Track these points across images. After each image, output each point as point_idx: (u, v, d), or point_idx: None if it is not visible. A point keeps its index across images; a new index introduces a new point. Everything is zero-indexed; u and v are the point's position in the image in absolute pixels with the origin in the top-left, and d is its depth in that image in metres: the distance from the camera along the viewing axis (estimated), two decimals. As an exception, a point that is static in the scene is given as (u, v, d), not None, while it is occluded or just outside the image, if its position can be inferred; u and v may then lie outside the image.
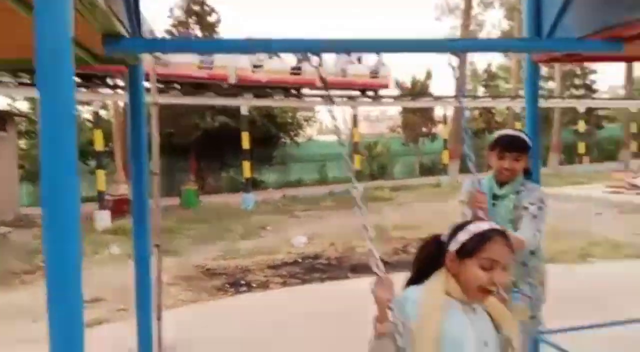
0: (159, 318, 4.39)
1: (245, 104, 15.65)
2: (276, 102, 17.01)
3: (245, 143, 15.62)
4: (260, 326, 4.97)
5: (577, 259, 7.33)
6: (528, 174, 2.68)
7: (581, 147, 23.87)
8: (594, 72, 29.37)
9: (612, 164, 24.41)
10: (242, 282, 7.00)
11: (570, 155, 25.95)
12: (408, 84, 24.85)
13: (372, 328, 1.57)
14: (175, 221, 12.59)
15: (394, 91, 23.98)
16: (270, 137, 19.53)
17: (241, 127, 15.87)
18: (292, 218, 12.77)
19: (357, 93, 18.23)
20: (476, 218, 2.19)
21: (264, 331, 4.79)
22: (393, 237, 9.43)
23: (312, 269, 7.65)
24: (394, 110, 28.22)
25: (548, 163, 24.64)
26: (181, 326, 5.01)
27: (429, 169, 24.14)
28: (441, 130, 22.86)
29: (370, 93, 18.35)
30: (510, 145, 2.55)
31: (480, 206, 2.25)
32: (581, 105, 23.50)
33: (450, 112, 20.55)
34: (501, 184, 2.61)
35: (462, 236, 1.65)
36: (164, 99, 15.38)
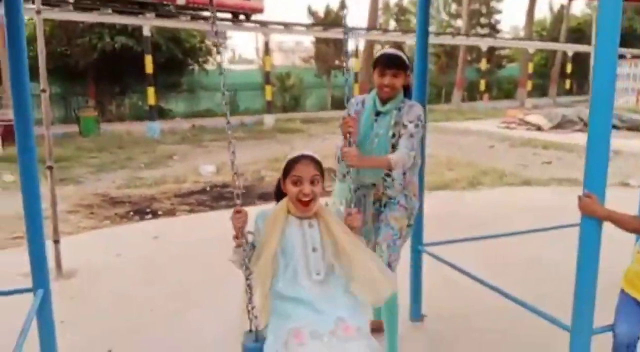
0: (55, 241, 4.30)
1: (146, 23, 14.67)
2: (182, 23, 16.10)
3: (149, 67, 14.82)
4: (164, 249, 5.00)
5: (467, 186, 7.95)
6: (409, 92, 2.86)
7: (482, 85, 25.16)
8: (499, 12, 30.52)
9: (509, 102, 26.06)
10: (148, 210, 6.91)
11: (472, 92, 27.31)
12: (321, 14, 24.47)
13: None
14: (74, 149, 11.97)
15: (307, 20, 23.61)
16: (177, 63, 18.57)
17: (144, 49, 14.99)
18: (200, 148, 12.56)
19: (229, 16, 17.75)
20: (344, 140, 2.42)
21: (168, 254, 4.83)
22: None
23: (220, 197, 7.68)
24: (309, 42, 27.82)
25: (452, 99, 25.84)
26: (82, 251, 4.93)
27: (341, 102, 24.41)
28: (352, 63, 22.95)
29: (242, 17, 17.94)
30: (389, 63, 2.69)
31: (347, 130, 2.38)
32: (484, 44, 24.52)
33: (362, 45, 20.64)
34: (384, 101, 2.75)
35: (284, 164, 2.15)
36: (54, 14, 14.09)
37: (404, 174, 2.73)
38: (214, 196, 7.74)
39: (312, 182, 2.08)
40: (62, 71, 17.79)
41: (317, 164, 2.13)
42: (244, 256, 2.04)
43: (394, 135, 2.70)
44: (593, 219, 2.09)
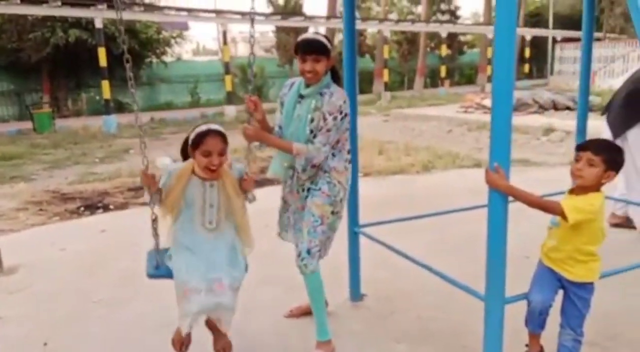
0: (-7, 240, 4.21)
1: (98, 15, 14.31)
2: (136, 14, 15.76)
3: (103, 60, 14.48)
4: (110, 242, 4.95)
5: (422, 170, 8.08)
6: (337, 78, 2.84)
7: (443, 71, 25.47)
8: (458, -2, 30.88)
9: (470, 87, 26.45)
10: (99, 205, 6.80)
11: (434, 78, 27.62)
12: (281, 2, 24.30)
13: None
14: (27, 146, 11.67)
15: (266, 9, 23.40)
16: (134, 55, 18.16)
17: (97, 42, 14.64)
18: (159, 141, 12.38)
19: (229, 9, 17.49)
20: (249, 117, 2.74)
21: (114, 246, 4.78)
22: (260, 157, 9.62)
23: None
24: (271, 32, 27.57)
25: (414, 86, 26.09)
26: (26, 248, 4.84)
27: (303, 92, 24.28)
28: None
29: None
30: (309, 48, 2.69)
31: (250, 109, 2.71)
32: (444, 31, 24.77)
33: (322, 32, 20.61)
34: (307, 85, 2.78)
35: (192, 135, 2.47)
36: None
37: (314, 166, 2.73)
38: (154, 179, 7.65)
39: (219, 154, 2.43)
40: (14, 67, 17.27)
41: (223, 137, 2.47)
42: (153, 199, 2.49)
43: (312, 120, 2.71)
44: (500, 192, 2.18)
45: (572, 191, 2.37)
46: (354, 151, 3.33)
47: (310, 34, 2.84)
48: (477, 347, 2.51)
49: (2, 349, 2.90)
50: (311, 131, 2.71)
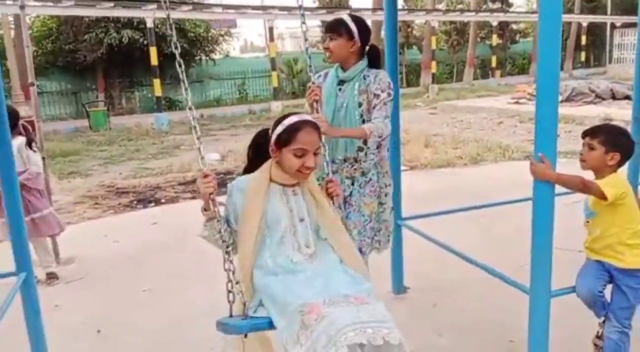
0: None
1: (148, 15, 14.74)
2: (184, 13, 16.13)
3: (154, 59, 14.92)
4: (162, 234, 5.11)
5: (470, 163, 7.90)
6: (376, 62, 2.74)
7: (493, 61, 24.77)
8: (510, -15, 29.84)
9: (523, 77, 25.61)
10: (151, 198, 7.04)
11: (484, 69, 26.89)
12: (327, -3, 24.29)
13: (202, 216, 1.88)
14: (83, 143, 12.19)
15: (312, 3, 23.44)
16: (184, 53, 18.65)
17: (149, 42, 15.09)
18: (209, 137, 12.65)
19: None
20: (310, 109, 2.41)
21: (165, 238, 4.93)
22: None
23: (222, 183, 7.67)
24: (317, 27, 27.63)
25: (463, 77, 25.51)
26: (82, 240, 5.06)
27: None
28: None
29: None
30: (327, 28, 2.71)
31: (314, 98, 2.37)
32: (494, 19, 24.08)
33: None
34: (344, 69, 2.69)
35: (279, 129, 1.90)
36: (42, 10, 14.22)
37: (378, 147, 2.63)
38: (218, 183, 7.82)
39: (315, 154, 1.90)
40: (71, 67, 18.04)
41: (318, 130, 1.94)
42: (217, 229, 1.86)
43: (360, 104, 2.62)
44: (545, 183, 2.11)
45: None
46: (396, 144, 3.31)
47: (344, 14, 2.82)
48: (523, 341, 2.45)
49: (59, 336, 3.04)
50: (361, 115, 2.62)
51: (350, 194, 2.72)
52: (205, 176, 1.89)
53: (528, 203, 3.74)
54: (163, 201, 6.88)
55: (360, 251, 2.71)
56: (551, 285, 2.19)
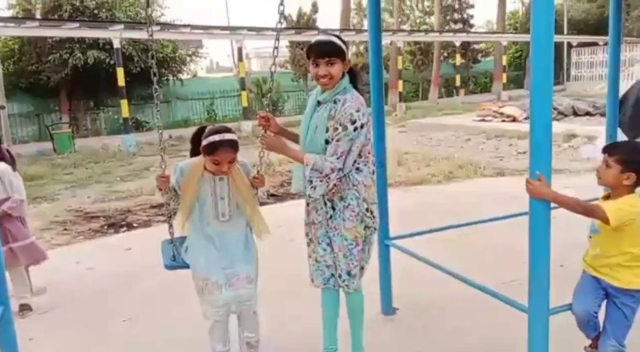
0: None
1: (115, 36, 14.52)
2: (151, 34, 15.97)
3: (121, 80, 14.66)
4: (136, 260, 4.94)
5: (443, 180, 7.99)
6: (357, 80, 2.66)
7: (457, 80, 25.37)
8: (471, 6, 30.74)
9: (485, 95, 26.28)
10: (123, 223, 6.83)
11: (449, 88, 27.50)
12: (294, 17, 24.50)
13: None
14: (48, 166, 11.81)
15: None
16: (152, 73, 18.34)
17: (116, 62, 14.85)
18: (179, 158, 12.48)
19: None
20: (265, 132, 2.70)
21: (140, 264, 4.76)
22: (279, 171, 9.61)
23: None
24: (285, 47, 27.77)
25: (428, 96, 26.00)
26: (53, 268, 4.83)
27: (318, 105, 24.29)
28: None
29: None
30: (321, 51, 2.50)
31: (263, 125, 2.66)
32: (457, 40, 24.73)
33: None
34: (324, 90, 2.60)
35: (204, 142, 2.51)
36: (9, 31, 13.89)
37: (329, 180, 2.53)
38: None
39: (229, 163, 2.53)
40: (34, 88, 17.58)
41: (235, 147, 2.53)
42: (167, 197, 2.66)
43: (327, 129, 2.54)
44: (542, 201, 2.12)
45: (605, 198, 2.34)
46: (382, 163, 3.30)
47: (322, 35, 2.63)
48: (519, 360, 2.44)
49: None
50: (326, 141, 2.54)
51: (331, 217, 2.66)
52: (162, 176, 2.58)
53: (511, 220, 3.81)
54: (135, 225, 6.69)
55: (349, 273, 2.68)
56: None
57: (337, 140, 2.50)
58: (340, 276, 2.71)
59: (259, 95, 22.69)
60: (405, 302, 3.55)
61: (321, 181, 2.54)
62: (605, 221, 2.16)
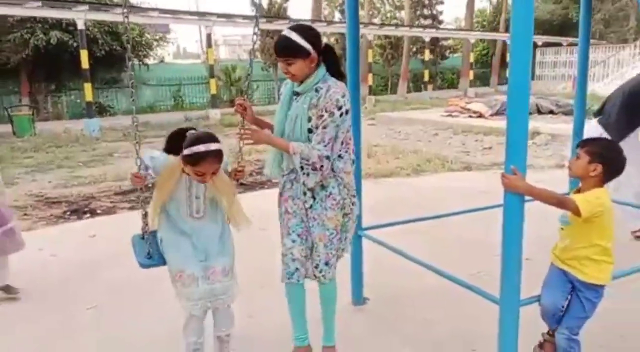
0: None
1: (79, 17, 14.04)
2: (118, 16, 15.54)
3: (85, 63, 14.20)
4: (101, 247, 4.82)
5: (412, 173, 8.08)
6: (336, 70, 2.59)
7: (426, 76, 25.66)
8: (440, 2, 31.07)
9: (453, 91, 26.68)
10: (86, 209, 6.65)
11: (417, 83, 27.80)
12: (265, 6, 24.26)
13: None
14: (7, 149, 11.39)
15: (250, 12, 23.30)
16: (116, 57, 17.88)
17: (79, 44, 14.39)
18: (144, 144, 12.19)
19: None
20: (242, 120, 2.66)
21: (105, 251, 4.65)
22: (248, 161, 9.54)
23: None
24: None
25: (397, 90, 26.23)
26: (14, 254, 4.68)
27: (288, 95, 24.15)
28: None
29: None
30: (278, 51, 2.49)
31: (240, 113, 2.63)
32: (426, 35, 24.97)
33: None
34: (301, 81, 2.55)
35: (186, 151, 2.38)
36: None
37: (315, 169, 2.49)
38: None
39: (213, 173, 2.46)
40: (-9, 68, 16.91)
41: (220, 157, 2.44)
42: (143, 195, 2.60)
43: (310, 118, 2.50)
44: (516, 194, 2.16)
45: (577, 191, 2.40)
46: (358, 155, 3.30)
47: (284, 31, 2.52)
48: (487, 350, 2.49)
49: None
50: (310, 130, 2.51)
51: (311, 207, 2.61)
52: (137, 176, 2.46)
53: (481, 213, 3.89)
54: (99, 211, 6.52)
55: (327, 263, 2.65)
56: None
57: (324, 127, 2.46)
58: (317, 266, 2.67)
59: (227, 83, 22.42)
60: (375, 292, 3.58)
61: (314, 169, 2.49)
62: (577, 212, 2.22)
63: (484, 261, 3.82)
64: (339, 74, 2.59)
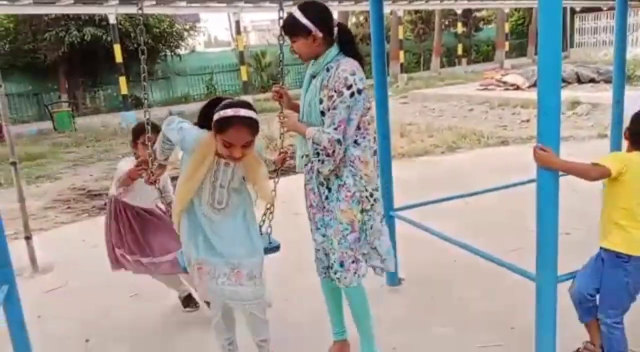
0: (27, 238, 4.25)
1: (110, 12, 14.27)
2: (148, 9, 15.71)
3: (118, 57, 14.49)
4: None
5: (446, 151, 7.95)
6: (351, 49, 2.42)
7: (460, 49, 25.03)
8: (471, -27, 30.09)
9: (488, 64, 25.96)
10: (126, 200, 6.83)
11: (451, 57, 27.16)
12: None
13: None
14: (49, 145, 11.79)
15: (278, -3, 23.20)
16: (149, 50, 18.08)
17: (112, 39, 14.66)
18: (179, 134, 12.42)
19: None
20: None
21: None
22: (282, 146, 9.58)
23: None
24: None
25: (430, 66, 25.71)
26: (59, 246, 4.87)
27: (318, 78, 24.07)
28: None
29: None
30: (283, 29, 2.43)
31: (277, 99, 2.58)
32: (458, 7, 24.29)
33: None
34: (314, 63, 2.45)
35: (216, 117, 2.13)
36: (2, 9, 13.68)
37: (328, 155, 2.32)
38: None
39: (244, 147, 2.15)
40: (31, 68, 17.41)
41: (252, 127, 2.15)
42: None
43: (321, 100, 2.35)
44: (549, 170, 2.08)
45: None
46: (385, 135, 3.26)
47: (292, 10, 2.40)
48: (526, 327, 2.44)
49: (45, 348, 2.90)
50: (322, 113, 2.35)
51: (327, 198, 2.45)
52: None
53: (516, 188, 3.79)
54: (139, 202, 6.69)
55: (342, 264, 2.42)
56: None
57: (334, 108, 2.29)
58: (331, 267, 2.47)
59: (258, 69, 22.46)
60: (410, 273, 3.56)
61: (327, 156, 2.31)
62: (607, 173, 2.14)
63: (521, 237, 3.74)
64: (354, 54, 2.41)
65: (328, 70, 2.36)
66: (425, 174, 6.48)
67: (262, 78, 22.39)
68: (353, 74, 2.30)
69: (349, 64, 2.33)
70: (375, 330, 2.70)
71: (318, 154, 2.34)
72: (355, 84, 2.29)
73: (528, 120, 10.19)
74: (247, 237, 2.35)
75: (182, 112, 16.08)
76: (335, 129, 2.29)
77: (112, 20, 14.43)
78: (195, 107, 17.45)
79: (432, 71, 24.32)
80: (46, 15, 15.80)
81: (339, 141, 2.30)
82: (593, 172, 2.17)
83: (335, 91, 2.29)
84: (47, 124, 14.58)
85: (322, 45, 2.38)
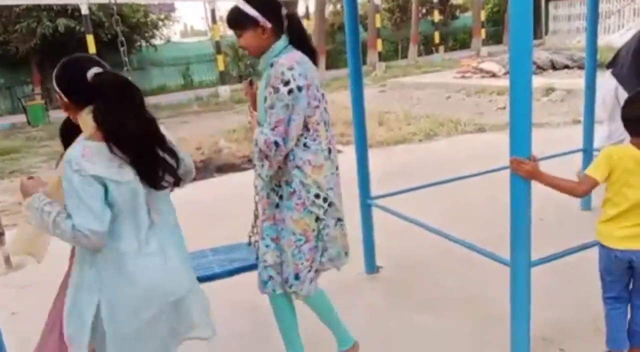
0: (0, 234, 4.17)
1: (82, 2, 13.95)
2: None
3: (92, 48, 14.20)
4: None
5: (424, 138, 7.99)
6: (301, 41, 2.24)
7: (437, 37, 25.11)
8: (447, -39, 30.12)
9: (465, 52, 26.11)
10: (103, 193, 6.73)
11: (428, 45, 27.25)
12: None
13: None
14: (23, 139, 11.55)
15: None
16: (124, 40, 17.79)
17: (85, 29, 14.35)
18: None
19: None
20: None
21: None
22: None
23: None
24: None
25: (408, 54, 25.76)
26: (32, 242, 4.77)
27: (297, 67, 23.92)
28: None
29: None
30: (229, 25, 2.26)
31: (247, 94, 2.46)
32: (435, -5, 24.33)
33: (312, 6, 20.22)
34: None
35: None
36: None
37: (266, 157, 2.15)
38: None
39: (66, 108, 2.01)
40: (2, 60, 16.99)
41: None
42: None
43: (266, 98, 2.15)
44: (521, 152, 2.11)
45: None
46: (361, 123, 3.26)
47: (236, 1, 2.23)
48: (501, 313, 2.48)
49: (18, 345, 2.85)
50: (266, 112, 2.15)
51: (277, 206, 2.26)
52: (31, 178, 1.98)
53: (491, 175, 3.83)
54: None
55: (297, 276, 2.25)
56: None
57: (271, 107, 2.09)
58: (287, 281, 2.28)
59: (235, 58, 22.24)
60: (389, 260, 3.58)
61: (266, 157, 2.14)
62: (595, 183, 2.14)
63: (499, 223, 3.78)
64: (304, 46, 2.22)
65: (272, 65, 2.13)
66: (403, 162, 6.51)
67: (240, 68, 22.18)
68: (291, 68, 2.08)
69: (288, 58, 2.12)
70: (353, 318, 2.70)
71: (258, 156, 2.20)
72: (294, 79, 2.07)
73: (504, 107, 10.28)
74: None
75: (158, 104, 15.93)
76: (272, 129, 2.09)
77: (84, 10, 14.12)
78: (173, 97, 17.32)
79: (410, 59, 24.35)
80: (17, 6, 15.40)
81: (276, 143, 2.09)
82: (580, 190, 2.19)
83: (272, 88, 2.09)
84: (21, 118, 14.28)
85: (272, 37, 2.19)
